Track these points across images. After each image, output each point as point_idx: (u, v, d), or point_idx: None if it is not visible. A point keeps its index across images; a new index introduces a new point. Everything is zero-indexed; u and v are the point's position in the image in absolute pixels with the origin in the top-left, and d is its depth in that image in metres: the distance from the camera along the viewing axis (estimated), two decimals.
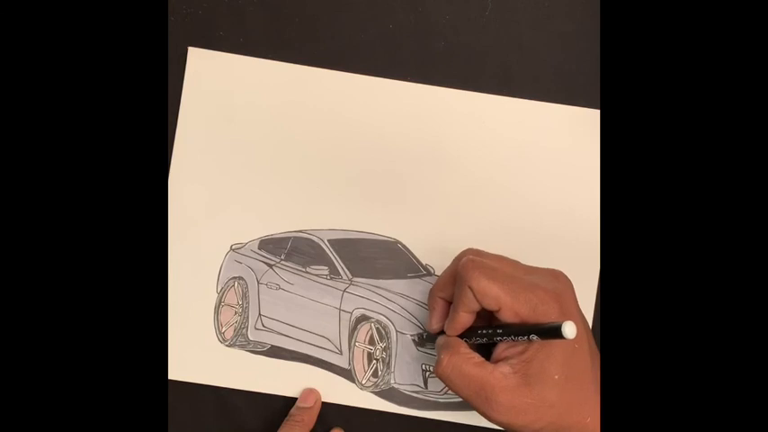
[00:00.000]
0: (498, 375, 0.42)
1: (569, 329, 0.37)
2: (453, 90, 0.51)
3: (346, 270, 0.51)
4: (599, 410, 0.42)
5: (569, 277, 0.44)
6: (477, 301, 0.43)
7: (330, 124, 0.51)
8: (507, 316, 0.42)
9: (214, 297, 0.51)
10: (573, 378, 0.42)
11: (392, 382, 0.50)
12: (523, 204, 0.51)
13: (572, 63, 0.51)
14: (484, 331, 0.44)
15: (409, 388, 0.50)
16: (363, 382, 0.50)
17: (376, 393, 0.50)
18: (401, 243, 0.51)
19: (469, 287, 0.42)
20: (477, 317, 0.45)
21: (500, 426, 0.47)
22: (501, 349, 0.43)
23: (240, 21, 0.51)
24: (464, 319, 0.44)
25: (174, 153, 0.51)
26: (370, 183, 0.51)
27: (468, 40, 0.51)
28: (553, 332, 0.39)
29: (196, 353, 0.50)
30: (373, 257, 0.51)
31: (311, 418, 0.49)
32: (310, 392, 0.50)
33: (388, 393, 0.50)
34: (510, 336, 0.42)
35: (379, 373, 0.50)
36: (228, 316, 0.51)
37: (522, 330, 0.41)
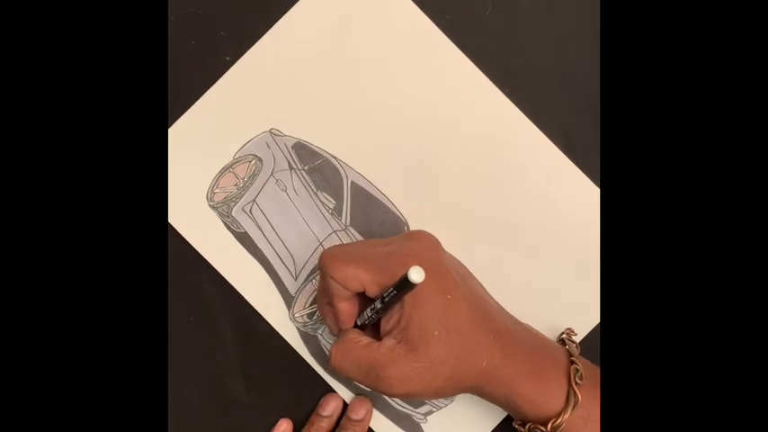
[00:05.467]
0: (384, 351, 0.42)
1: (415, 274, 0.37)
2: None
3: (348, 215, 0.51)
4: (495, 352, 0.42)
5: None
6: (344, 287, 0.43)
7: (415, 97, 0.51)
8: (374, 292, 0.42)
9: (228, 158, 0.51)
10: (454, 329, 0.41)
11: (319, 332, 0.51)
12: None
13: (572, 63, 0.51)
14: (366, 313, 0.44)
15: (329, 346, 0.50)
16: (296, 315, 0.51)
17: (299, 331, 0.51)
18: (408, 227, 0.51)
19: (331, 277, 0.43)
20: (364, 303, 0.45)
21: (402, 397, 0.46)
22: (383, 325, 0.43)
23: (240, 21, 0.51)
24: (344, 309, 0.44)
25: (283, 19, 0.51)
26: (425, 166, 0.51)
27: (469, 40, 0.51)
28: (404, 283, 0.39)
29: (183, 194, 0.51)
30: (377, 221, 0.51)
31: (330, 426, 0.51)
32: (361, 404, 0.50)
33: (308, 338, 0.51)
34: (380, 307, 0.42)
35: (315, 317, 0.51)
36: (228, 183, 0.51)
37: (385, 296, 0.41)
